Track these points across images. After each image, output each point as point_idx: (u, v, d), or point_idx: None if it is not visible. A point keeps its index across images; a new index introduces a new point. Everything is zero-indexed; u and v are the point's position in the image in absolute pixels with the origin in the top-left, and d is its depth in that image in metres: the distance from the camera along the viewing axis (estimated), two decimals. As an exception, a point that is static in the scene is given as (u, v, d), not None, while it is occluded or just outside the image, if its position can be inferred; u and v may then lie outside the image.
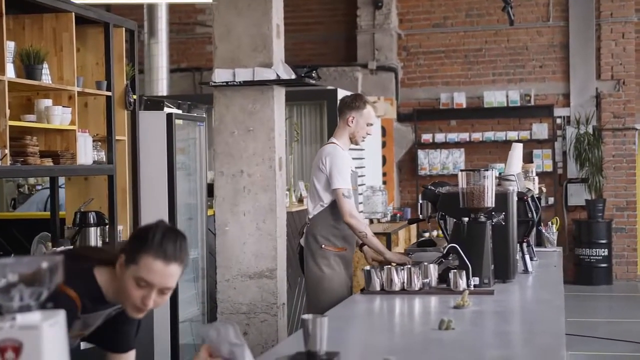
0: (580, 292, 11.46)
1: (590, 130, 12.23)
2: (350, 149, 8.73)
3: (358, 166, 9.79)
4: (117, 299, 2.66)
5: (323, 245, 5.07)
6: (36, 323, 1.79)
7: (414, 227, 10.62)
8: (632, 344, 8.26)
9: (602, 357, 7.93)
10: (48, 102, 5.16)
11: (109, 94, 5.69)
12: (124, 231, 5.93)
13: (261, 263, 5.48)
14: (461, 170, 4.42)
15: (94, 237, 5.53)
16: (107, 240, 5.69)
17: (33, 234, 5.90)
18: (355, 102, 5.23)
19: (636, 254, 12.49)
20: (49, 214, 5.76)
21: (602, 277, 12.05)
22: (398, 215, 10.33)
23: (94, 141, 5.60)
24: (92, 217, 5.51)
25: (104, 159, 5.68)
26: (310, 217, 5.16)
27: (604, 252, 12.05)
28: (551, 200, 12.37)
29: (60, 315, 1.86)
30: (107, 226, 5.67)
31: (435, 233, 10.60)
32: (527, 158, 12.10)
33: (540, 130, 12.47)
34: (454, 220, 4.47)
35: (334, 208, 5.09)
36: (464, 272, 4.14)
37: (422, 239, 5.87)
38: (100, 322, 2.76)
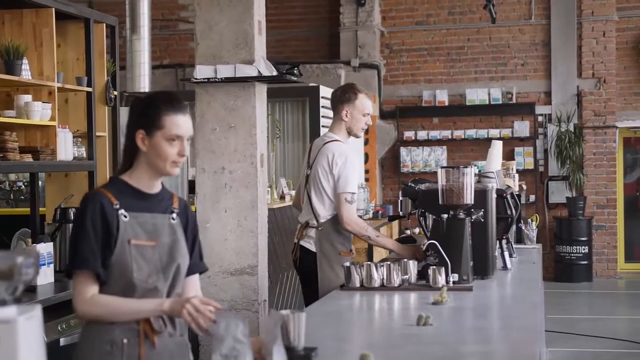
0: (560, 289, 11.52)
1: (572, 128, 12.30)
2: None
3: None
4: (152, 175, 2.89)
5: (341, 252, 4.89)
6: (12, 317, 1.80)
7: (395, 224, 10.65)
8: (611, 341, 8.32)
9: (582, 353, 7.97)
10: (28, 97, 5.13)
11: (90, 89, 5.67)
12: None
13: (242, 260, 5.48)
14: (441, 167, 4.44)
15: (74, 233, 5.51)
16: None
17: (14, 230, 5.87)
18: (346, 94, 4.97)
19: (616, 251, 12.58)
20: (29, 210, 5.73)
21: (582, 274, 12.13)
22: (380, 212, 10.34)
23: (74, 137, 5.58)
24: (72, 213, 5.48)
25: (85, 155, 5.66)
26: (322, 221, 4.88)
27: (584, 249, 12.12)
28: (532, 197, 12.43)
29: (37, 310, 1.86)
30: (87, 222, 5.67)
31: (417, 230, 10.62)
32: (509, 156, 12.15)
33: (522, 128, 12.52)
34: (434, 217, 4.49)
35: None
36: (443, 268, 4.16)
37: (403, 235, 5.88)
38: (167, 231, 2.89)
